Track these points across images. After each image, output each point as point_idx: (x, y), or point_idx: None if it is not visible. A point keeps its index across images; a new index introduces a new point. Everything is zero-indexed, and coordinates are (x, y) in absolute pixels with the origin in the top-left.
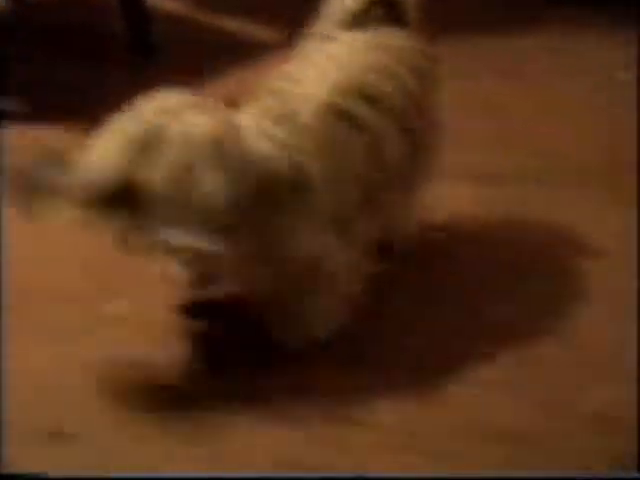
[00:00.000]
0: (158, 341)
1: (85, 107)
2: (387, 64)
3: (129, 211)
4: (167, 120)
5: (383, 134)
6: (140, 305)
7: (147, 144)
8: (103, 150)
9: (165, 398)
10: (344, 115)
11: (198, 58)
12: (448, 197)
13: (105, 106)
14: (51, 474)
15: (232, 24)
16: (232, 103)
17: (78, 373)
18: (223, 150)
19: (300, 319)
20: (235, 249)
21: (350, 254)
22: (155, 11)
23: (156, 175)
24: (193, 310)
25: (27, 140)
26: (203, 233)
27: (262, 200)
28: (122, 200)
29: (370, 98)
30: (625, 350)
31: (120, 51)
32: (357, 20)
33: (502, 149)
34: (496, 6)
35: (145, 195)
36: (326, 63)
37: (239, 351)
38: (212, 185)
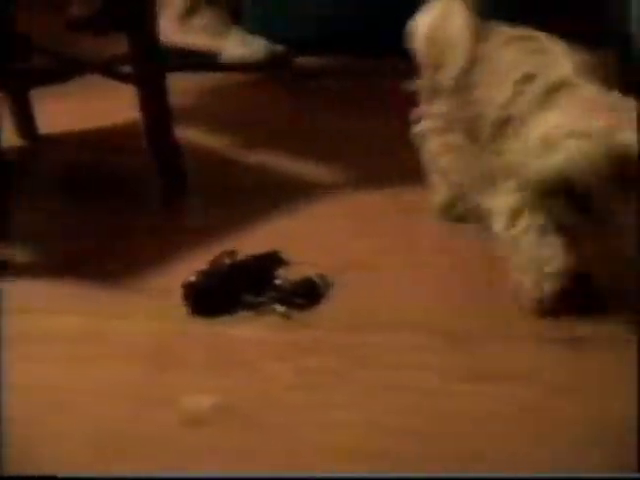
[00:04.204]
0: None
1: (107, 255)
2: None
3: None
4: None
5: None
6: None
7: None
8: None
9: None
10: None
11: (236, 203)
12: None
13: (129, 253)
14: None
15: (274, 163)
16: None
17: None
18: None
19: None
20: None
21: None
22: (187, 149)
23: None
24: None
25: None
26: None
27: (617, 183)
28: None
29: None
30: None
31: (148, 192)
32: None
33: None
34: None
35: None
36: None
37: None
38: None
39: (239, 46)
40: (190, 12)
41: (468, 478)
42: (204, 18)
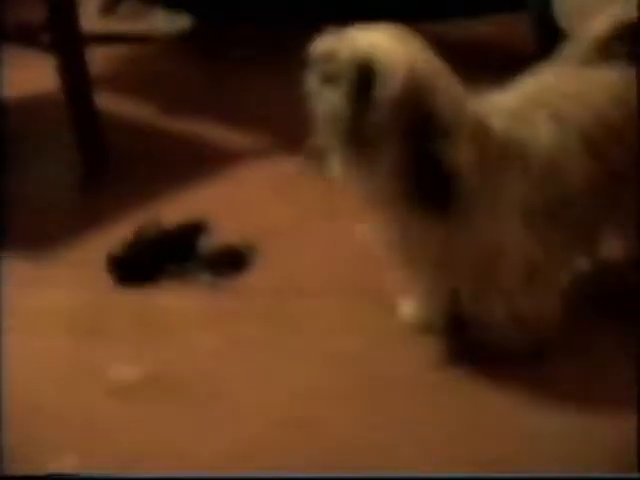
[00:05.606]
0: None
1: (28, 226)
2: (586, 93)
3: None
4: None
5: (564, 151)
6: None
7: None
8: None
9: None
10: (524, 118)
11: (158, 171)
12: None
13: (50, 222)
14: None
15: (195, 131)
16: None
17: None
18: None
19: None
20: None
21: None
22: (108, 118)
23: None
24: None
25: None
26: None
27: None
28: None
29: (555, 116)
30: None
31: (69, 160)
32: (599, 53)
33: None
34: None
35: None
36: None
37: None
38: None
39: (162, 23)
40: (112, 2)
41: (468, 478)
42: (124, 5)
